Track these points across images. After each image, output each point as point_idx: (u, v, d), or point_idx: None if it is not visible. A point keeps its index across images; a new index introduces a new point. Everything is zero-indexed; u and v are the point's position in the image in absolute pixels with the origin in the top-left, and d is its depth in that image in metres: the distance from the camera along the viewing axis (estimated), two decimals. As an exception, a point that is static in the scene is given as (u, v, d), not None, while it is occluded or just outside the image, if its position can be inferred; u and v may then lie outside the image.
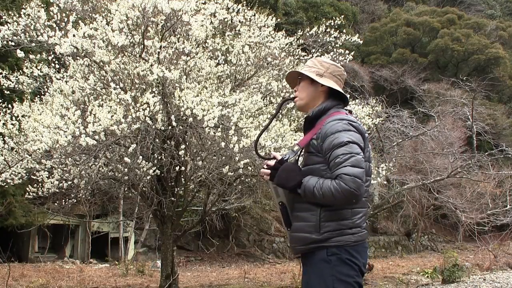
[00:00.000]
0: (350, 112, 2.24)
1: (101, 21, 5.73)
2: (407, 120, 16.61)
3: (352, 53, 8.11)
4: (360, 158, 1.98)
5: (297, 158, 2.18)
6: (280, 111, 6.89)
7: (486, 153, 16.47)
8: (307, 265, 2.12)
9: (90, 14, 6.40)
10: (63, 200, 7.23)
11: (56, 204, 8.77)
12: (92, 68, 6.18)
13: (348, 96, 2.26)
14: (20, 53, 6.08)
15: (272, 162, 2.12)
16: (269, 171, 2.11)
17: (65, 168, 5.79)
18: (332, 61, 2.30)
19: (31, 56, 6.63)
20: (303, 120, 2.35)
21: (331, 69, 2.24)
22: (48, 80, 6.77)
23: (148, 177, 5.67)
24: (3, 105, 6.79)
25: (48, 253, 14.10)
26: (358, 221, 2.07)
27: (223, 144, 5.51)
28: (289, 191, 2.09)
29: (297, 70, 2.32)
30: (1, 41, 6.13)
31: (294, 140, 6.21)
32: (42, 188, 6.42)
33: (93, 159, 5.52)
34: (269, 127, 5.86)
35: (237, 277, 10.83)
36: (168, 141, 5.97)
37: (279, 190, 2.15)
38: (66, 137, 5.03)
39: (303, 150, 2.18)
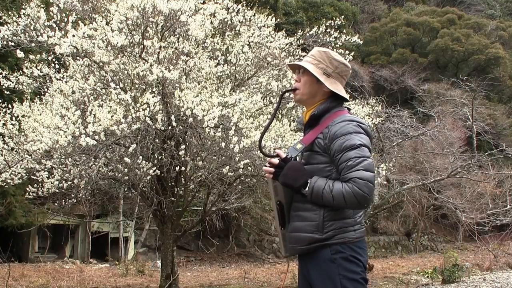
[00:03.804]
0: (349, 109, 2.18)
1: (101, 21, 5.73)
2: (407, 120, 16.63)
3: (352, 53, 8.11)
4: (372, 162, 1.95)
5: (299, 156, 2.11)
6: (280, 108, 6.86)
7: (486, 153, 16.50)
8: (309, 266, 2.06)
9: (90, 14, 6.40)
10: (63, 200, 7.22)
11: (56, 204, 8.77)
12: (92, 68, 6.18)
13: (348, 96, 2.21)
14: (20, 53, 6.07)
15: (275, 160, 2.04)
16: (272, 169, 2.04)
17: (65, 168, 5.78)
18: (341, 58, 2.17)
19: (31, 56, 6.62)
20: (300, 117, 2.30)
21: (339, 68, 2.14)
22: (48, 80, 6.77)
23: (148, 177, 5.67)
24: (3, 105, 6.78)
25: (48, 253, 14.09)
26: (359, 219, 2.06)
27: (223, 144, 5.50)
28: (294, 191, 2.03)
29: (303, 62, 2.16)
30: (1, 41, 6.13)
31: (294, 140, 6.21)
32: (42, 188, 6.41)
33: (93, 159, 5.52)
34: (269, 127, 5.85)
35: (237, 277, 10.83)
36: (168, 141, 5.96)
37: (278, 189, 2.09)
38: (66, 137, 5.03)
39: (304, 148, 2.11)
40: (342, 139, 1.96)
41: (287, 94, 2.32)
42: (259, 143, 2.20)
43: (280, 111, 6.99)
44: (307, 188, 1.97)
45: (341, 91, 2.14)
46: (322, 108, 2.10)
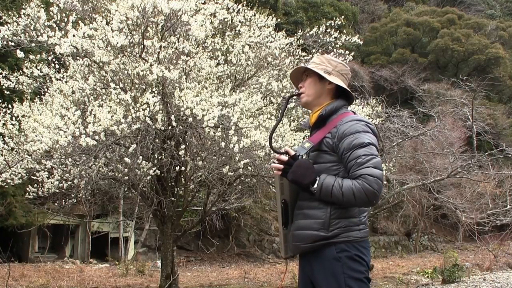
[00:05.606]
0: (353, 112, 2.22)
1: (101, 21, 5.72)
2: (407, 120, 16.60)
3: (352, 53, 8.11)
4: (380, 160, 1.99)
5: (307, 155, 2.13)
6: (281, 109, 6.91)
7: (486, 153, 16.45)
8: (313, 264, 2.06)
9: (90, 14, 6.40)
10: (63, 200, 7.23)
11: (56, 204, 8.77)
12: (92, 68, 6.18)
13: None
14: (20, 53, 6.07)
15: (284, 157, 2.06)
16: (281, 166, 2.06)
17: (65, 168, 5.78)
18: (338, 60, 2.27)
19: (31, 56, 6.62)
20: (306, 117, 2.35)
21: (338, 67, 2.22)
22: (48, 80, 6.76)
23: (148, 177, 5.67)
24: (3, 105, 6.78)
25: (48, 253, 14.11)
26: (364, 219, 2.09)
27: (223, 144, 5.50)
28: (302, 189, 2.04)
29: (303, 66, 2.27)
30: (1, 41, 6.12)
31: (294, 139, 6.22)
32: (42, 188, 6.41)
33: (93, 159, 5.52)
34: (269, 127, 5.86)
35: (237, 277, 10.84)
36: (168, 141, 5.96)
37: (285, 186, 2.10)
38: (66, 137, 5.03)
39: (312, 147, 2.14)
40: (351, 138, 2.00)
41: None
42: (270, 140, 2.23)
43: (280, 111, 7.00)
44: (315, 185, 1.99)
45: (344, 86, 2.21)
46: (330, 109, 2.16)
